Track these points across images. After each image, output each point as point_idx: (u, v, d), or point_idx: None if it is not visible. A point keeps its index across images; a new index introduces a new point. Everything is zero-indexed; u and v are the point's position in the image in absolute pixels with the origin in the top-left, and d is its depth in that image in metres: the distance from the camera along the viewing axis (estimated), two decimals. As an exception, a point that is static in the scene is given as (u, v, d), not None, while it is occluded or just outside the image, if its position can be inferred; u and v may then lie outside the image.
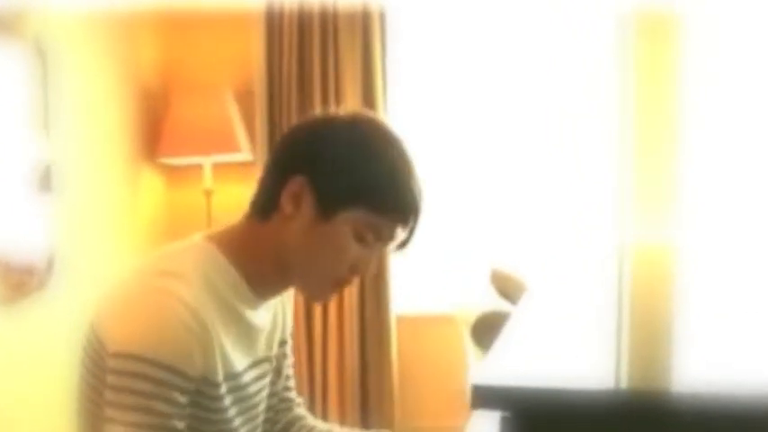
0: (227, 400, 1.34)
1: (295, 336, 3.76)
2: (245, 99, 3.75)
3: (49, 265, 2.89)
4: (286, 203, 1.31)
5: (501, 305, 3.14)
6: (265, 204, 1.34)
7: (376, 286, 3.83)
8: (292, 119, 3.74)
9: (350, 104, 3.68)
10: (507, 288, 3.31)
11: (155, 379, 1.20)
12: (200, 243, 1.36)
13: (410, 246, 1.40)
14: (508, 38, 3.90)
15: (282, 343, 1.55)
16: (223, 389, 1.32)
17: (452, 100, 3.95)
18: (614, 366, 1.14)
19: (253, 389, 1.42)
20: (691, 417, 0.91)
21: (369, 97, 3.72)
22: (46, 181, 2.88)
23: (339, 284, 1.37)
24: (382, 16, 3.72)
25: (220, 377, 1.30)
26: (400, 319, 3.89)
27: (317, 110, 3.58)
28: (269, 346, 1.48)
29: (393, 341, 3.85)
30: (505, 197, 3.97)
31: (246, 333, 1.38)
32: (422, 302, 3.99)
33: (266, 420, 1.53)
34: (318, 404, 3.84)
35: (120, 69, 3.52)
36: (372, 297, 3.84)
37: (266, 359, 1.47)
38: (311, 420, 1.67)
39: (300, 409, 1.67)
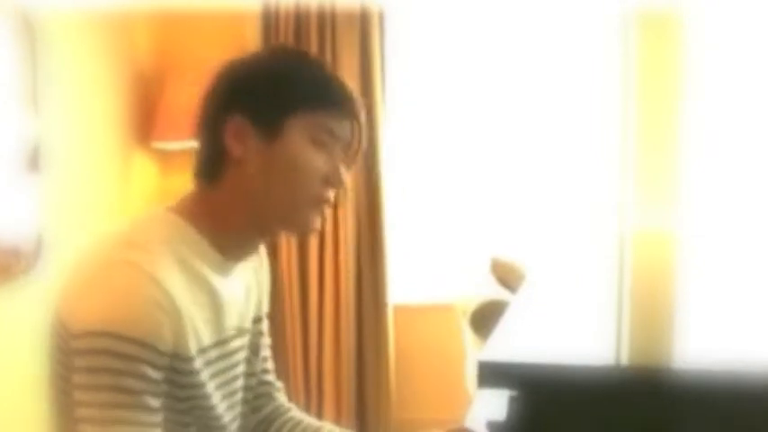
0: (204, 375, 1.27)
1: (290, 326, 3.78)
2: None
3: (37, 248, 2.82)
4: (232, 147, 1.27)
5: (501, 294, 3.08)
6: (213, 162, 1.30)
7: (372, 275, 3.79)
8: None
9: None
10: (507, 277, 3.25)
11: (123, 354, 1.13)
12: (162, 214, 1.32)
13: (360, 149, 1.37)
14: (508, 36, 3.89)
15: (258, 320, 1.49)
16: (197, 363, 1.25)
17: (452, 94, 3.94)
18: (615, 344, 1.15)
19: (227, 363, 1.36)
20: (690, 392, 0.91)
21: (367, 97, 3.68)
22: (34, 161, 2.81)
23: (319, 204, 1.31)
24: (381, 16, 3.68)
25: (193, 351, 1.24)
26: (397, 309, 3.87)
27: None
28: (242, 320, 1.41)
29: (390, 331, 3.82)
30: (505, 185, 3.96)
31: (217, 304, 1.31)
32: (419, 292, 3.97)
33: (244, 402, 1.47)
34: (314, 396, 3.81)
35: (114, 50, 3.45)
36: (368, 286, 3.80)
37: (239, 333, 1.40)
38: (297, 413, 1.60)
39: (281, 396, 1.61)
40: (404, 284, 3.92)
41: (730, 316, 1.32)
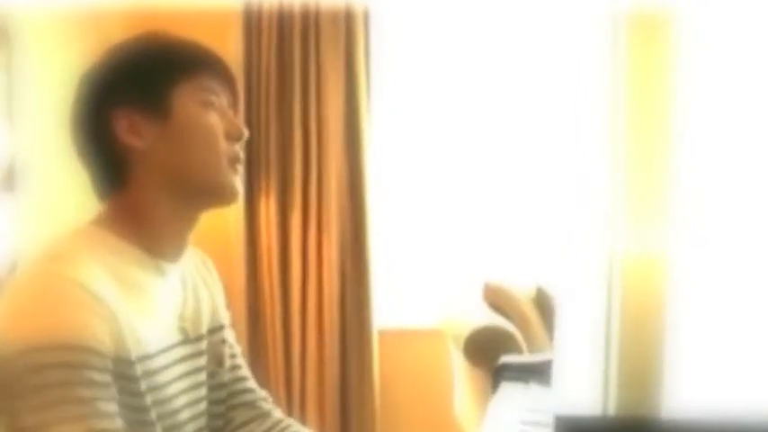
0: (143, 385, 1.21)
1: (272, 352, 3.68)
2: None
3: (12, 271, 2.67)
4: (131, 141, 1.26)
5: (494, 319, 2.99)
6: (113, 167, 1.28)
7: (357, 298, 3.70)
8: (270, 121, 3.62)
9: (332, 108, 3.59)
10: (500, 302, 3.16)
11: (66, 364, 1.09)
12: (84, 227, 1.28)
13: (238, 99, 1.40)
14: (496, 37, 3.82)
15: (217, 329, 1.44)
16: (138, 370, 1.20)
17: (439, 98, 3.87)
18: (602, 392, 1.11)
19: (173, 372, 1.30)
20: None
21: (352, 99, 3.62)
22: (10, 179, 2.66)
23: (232, 162, 1.31)
24: (366, 16, 3.61)
25: (132, 355, 1.19)
26: (382, 334, 3.76)
27: (298, 112, 3.57)
28: (195, 325, 1.37)
29: (375, 357, 3.72)
30: (493, 205, 3.88)
31: (156, 308, 1.28)
32: (405, 316, 3.88)
33: (217, 416, 1.43)
34: None
35: (93, 60, 3.30)
36: (353, 310, 3.71)
37: (188, 341, 1.35)
38: (299, 428, 1.52)
39: (269, 406, 1.54)
40: (389, 308, 3.83)
41: (725, 353, 1.26)
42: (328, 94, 3.60)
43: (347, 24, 3.58)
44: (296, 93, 3.59)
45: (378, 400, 3.72)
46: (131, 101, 1.26)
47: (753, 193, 3.64)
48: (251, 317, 3.68)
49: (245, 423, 1.49)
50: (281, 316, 3.67)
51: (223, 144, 1.30)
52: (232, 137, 1.31)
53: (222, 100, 1.33)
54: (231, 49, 3.58)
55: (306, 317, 3.67)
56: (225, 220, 3.58)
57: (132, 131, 1.26)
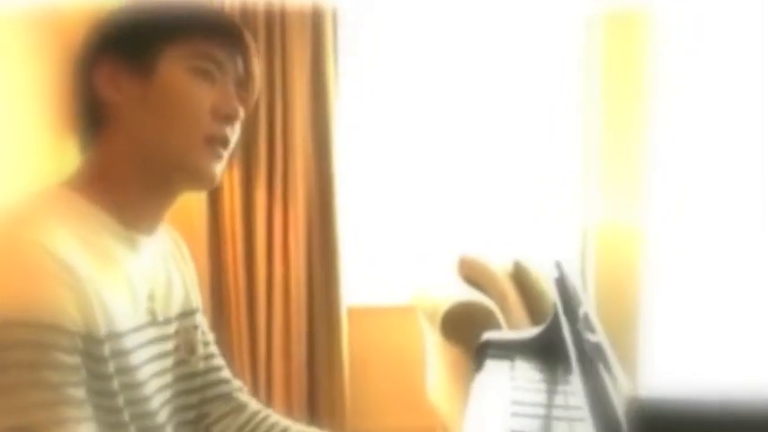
0: (111, 366, 1.10)
1: (236, 329, 3.58)
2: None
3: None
4: (106, 93, 1.16)
5: (470, 294, 2.86)
6: (89, 117, 1.19)
7: (325, 274, 3.60)
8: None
9: (298, 83, 3.50)
10: (476, 276, 3.04)
11: (33, 343, 0.98)
12: (53, 189, 1.17)
13: (256, 86, 1.27)
14: (467, 33, 3.78)
15: (189, 313, 1.35)
16: (106, 349, 1.09)
17: (408, 92, 3.84)
18: None
19: (142, 355, 1.19)
20: (654, 422, 0.82)
21: (319, 98, 3.55)
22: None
23: (212, 143, 1.18)
24: (334, 15, 3.54)
25: (102, 332, 1.08)
26: (351, 311, 3.69)
27: (262, 111, 3.48)
28: (165, 307, 1.27)
29: (343, 335, 3.64)
30: (465, 180, 3.83)
31: (129, 282, 1.18)
32: (374, 292, 3.81)
33: (188, 407, 1.33)
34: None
35: (54, 44, 3.12)
36: (321, 286, 3.61)
37: (156, 323, 1.24)
38: (275, 418, 1.44)
39: (244, 397, 1.45)
40: (358, 284, 3.76)
41: (700, 331, 1.22)
42: (294, 92, 3.51)
43: (314, 23, 3.51)
44: (261, 90, 3.48)
45: (347, 380, 3.64)
46: (117, 49, 1.17)
47: (728, 165, 3.60)
48: (214, 294, 3.58)
49: (222, 417, 1.40)
50: (245, 293, 3.56)
51: (206, 120, 1.18)
52: (220, 114, 1.19)
53: (226, 72, 1.21)
54: None
55: (272, 294, 3.57)
56: (186, 195, 3.42)
57: (112, 83, 1.16)
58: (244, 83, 1.24)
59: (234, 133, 1.21)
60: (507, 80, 3.77)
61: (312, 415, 3.61)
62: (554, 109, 3.76)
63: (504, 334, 2.29)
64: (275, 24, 3.47)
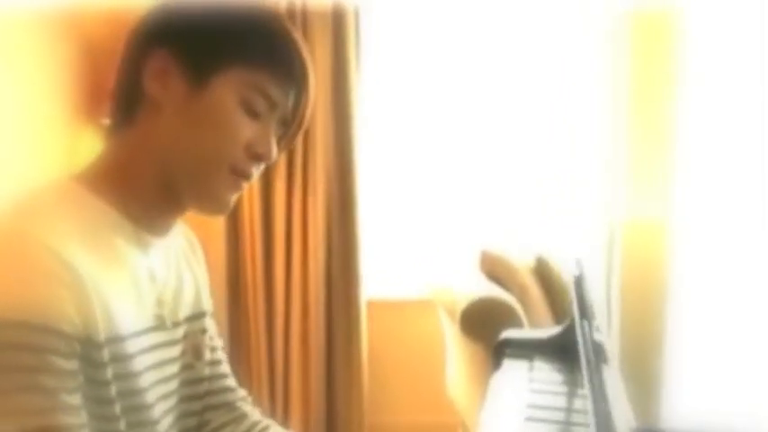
0: (109, 372, 1.06)
1: (254, 324, 3.56)
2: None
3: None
4: (151, 85, 1.12)
5: (491, 290, 2.80)
6: (127, 102, 1.15)
7: (344, 267, 3.56)
8: None
9: (320, 103, 3.47)
10: (498, 271, 2.98)
11: (29, 346, 0.95)
12: (63, 183, 1.13)
13: (302, 127, 1.23)
14: (491, 31, 3.73)
15: (198, 316, 1.31)
16: (106, 354, 1.04)
17: (432, 89, 3.79)
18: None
19: (145, 361, 1.14)
20: None
21: (340, 95, 3.50)
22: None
23: (237, 177, 1.15)
24: (356, 14, 3.50)
25: (102, 336, 1.03)
26: (371, 304, 3.65)
27: None
28: (173, 312, 1.23)
29: (363, 329, 3.60)
30: (488, 174, 3.79)
31: (136, 285, 1.14)
32: (395, 286, 3.76)
33: (191, 414, 1.29)
34: (280, 400, 3.57)
35: (61, 25, 3.10)
36: (340, 279, 3.57)
37: (163, 328, 1.20)
38: (277, 429, 1.38)
39: (247, 407, 1.41)
40: (378, 278, 3.71)
41: (724, 313, 1.16)
42: (316, 93, 3.44)
43: (335, 23, 3.47)
44: None
45: (365, 375, 3.61)
46: (176, 47, 1.12)
47: (755, 163, 3.55)
48: (231, 288, 3.55)
49: (222, 426, 1.35)
50: (263, 286, 3.53)
51: (238, 154, 1.14)
52: (254, 154, 1.15)
53: (274, 112, 1.17)
54: None
55: (290, 287, 3.53)
56: None
57: (158, 76, 1.12)
58: (288, 122, 1.20)
59: (259, 170, 1.18)
60: (533, 76, 3.71)
61: (330, 410, 3.59)
62: (581, 105, 3.69)
63: (522, 333, 2.23)
64: (296, 23, 3.43)
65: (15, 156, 2.85)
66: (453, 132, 3.75)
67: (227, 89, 1.12)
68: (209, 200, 1.16)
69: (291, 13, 3.44)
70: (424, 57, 3.75)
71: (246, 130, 1.14)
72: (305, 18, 3.45)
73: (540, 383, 1.72)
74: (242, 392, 1.41)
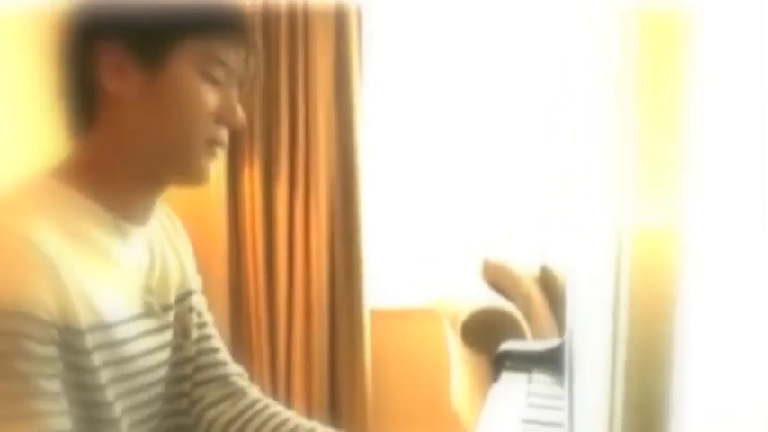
0: (96, 359, 1.07)
1: (255, 332, 3.53)
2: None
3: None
4: (109, 82, 1.12)
5: (494, 300, 2.76)
6: (84, 103, 1.15)
7: (347, 275, 3.51)
8: (255, 121, 3.44)
9: (321, 77, 3.42)
10: (501, 280, 2.94)
11: (2, 331, 0.96)
12: (38, 179, 1.14)
13: (257, 84, 1.23)
14: (496, 29, 3.67)
15: (185, 296, 1.32)
16: (89, 342, 1.05)
17: (436, 91, 3.73)
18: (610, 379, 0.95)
19: (136, 348, 1.16)
20: None
21: (342, 99, 3.45)
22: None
23: (211, 146, 1.18)
24: (359, 14, 3.45)
25: (83, 324, 1.04)
26: (374, 313, 3.60)
27: (284, 112, 3.39)
28: (161, 296, 1.24)
29: (366, 338, 3.55)
30: (492, 180, 3.73)
31: (116, 273, 1.15)
32: (399, 294, 3.72)
33: (179, 395, 1.30)
34: None
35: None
36: (343, 288, 3.52)
37: (152, 312, 1.22)
38: (276, 408, 1.36)
39: (242, 381, 1.39)
40: (382, 286, 3.66)
41: (737, 325, 1.11)
42: (317, 95, 3.43)
43: (338, 23, 3.42)
44: (282, 91, 3.42)
45: (369, 384, 3.56)
46: (126, 39, 1.12)
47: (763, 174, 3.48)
48: (233, 295, 3.51)
49: (217, 402, 1.33)
50: (265, 294, 3.49)
51: (208, 125, 1.17)
52: (223, 120, 1.18)
53: (231, 76, 1.19)
54: None
55: (292, 295, 3.49)
56: (205, 192, 3.39)
57: (116, 72, 1.12)
58: (242, 84, 1.23)
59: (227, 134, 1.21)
60: (537, 78, 3.65)
61: (333, 420, 3.53)
62: (587, 108, 3.62)
63: (521, 344, 2.18)
64: (298, 24, 3.39)
65: (11, 153, 2.84)
66: (457, 136, 3.70)
67: (184, 64, 1.13)
68: (189, 174, 1.18)
69: (293, 13, 3.40)
70: (427, 57, 3.69)
71: (211, 99, 1.16)
72: (306, 18, 3.41)
73: (538, 397, 1.68)
74: (236, 367, 1.39)
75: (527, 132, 3.67)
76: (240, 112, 1.20)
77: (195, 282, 1.36)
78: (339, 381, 3.55)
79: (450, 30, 3.66)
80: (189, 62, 1.14)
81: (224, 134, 1.19)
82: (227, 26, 1.18)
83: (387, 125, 3.70)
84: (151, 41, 1.12)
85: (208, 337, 1.37)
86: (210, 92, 1.16)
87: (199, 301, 1.36)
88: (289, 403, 3.49)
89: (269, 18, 3.40)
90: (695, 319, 1.12)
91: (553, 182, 3.64)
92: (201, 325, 1.36)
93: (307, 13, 3.40)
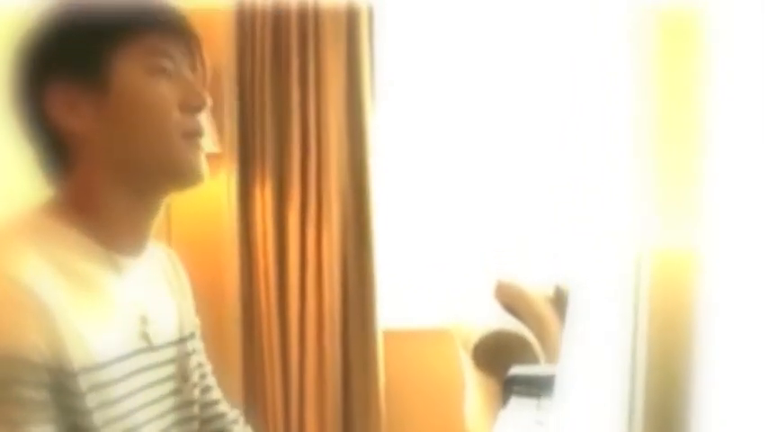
0: (90, 401, 1.03)
1: (268, 355, 3.48)
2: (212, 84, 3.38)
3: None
4: (67, 122, 1.10)
5: (507, 322, 2.71)
6: (51, 151, 1.13)
7: (360, 296, 3.48)
8: (266, 108, 3.42)
9: (332, 96, 3.41)
10: (514, 302, 2.89)
11: None
12: (27, 214, 1.11)
13: (206, 63, 1.22)
14: (511, 32, 3.63)
15: (184, 339, 1.28)
16: (82, 383, 1.02)
17: (449, 97, 3.68)
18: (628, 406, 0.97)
19: (131, 386, 1.12)
20: None
21: (353, 90, 3.43)
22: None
23: (189, 136, 1.15)
24: (370, 13, 3.43)
25: (76, 366, 1.01)
26: (387, 334, 3.56)
27: (295, 121, 3.37)
28: (159, 331, 1.20)
29: (379, 359, 3.51)
30: (509, 197, 3.67)
31: (111, 309, 1.11)
32: (412, 315, 3.67)
33: None
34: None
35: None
36: (356, 308, 3.49)
37: (151, 349, 1.18)
38: None
39: (238, 429, 1.39)
40: (395, 306, 3.62)
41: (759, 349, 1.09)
42: (328, 95, 3.41)
43: (349, 22, 3.40)
44: (293, 84, 3.40)
45: (383, 406, 3.51)
46: (67, 73, 1.10)
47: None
48: (245, 317, 3.47)
49: None
50: (277, 315, 3.45)
51: (176, 116, 1.13)
52: (189, 107, 1.15)
53: (179, 63, 1.16)
54: (222, 49, 3.43)
55: (304, 316, 3.45)
56: (216, 213, 3.38)
57: (69, 110, 1.10)
58: (194, 67, 1.19)
59: (203, 119, 1.18)
60: (555, 87, 3.60)
61: (346, 442, 3.50)
62: (605, 122, 3.57)
63: (529, 369, 2.14)
64: (308, 25, 3.37)
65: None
66: (472, 151, 3.65)
67: (129, 70, 1.11)
68: (181, 174, 1.15)
69: (303, 14, 3.38)
70: (439, 60, 3.64)
71: (167, 89, 1.13)
72: (317, 19, 3.39)
73: (547, 426, 1.63)
74: (233, 415, 1.39)
75: (543, 149, 3.62)
76: (202, 93, 1.17)
77: (194, 325, 1.33)
78: (352, 402, 3.50)
79: (463, 34, 3.61)
80: (132, 66, 1.11)
81: (196, 122, 1.16)
82: (153, 18, 1.15)
83: (399, 139, 3.66)
84: (87, 64, 1.10)
85: (209, 389, 1.36)
86: (163, 83, 1.13)
87: (199, 346, 1.33)
88: (301, 426, 3.47)
89: (279, 19, 3.38)
90: (715, 340, 1.08)
91: (569, 200, 3.60)
92: (203, 375, 1.34)
93: (317, 14, 3.37)
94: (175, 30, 1.16)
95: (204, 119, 1.18)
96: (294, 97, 3.39)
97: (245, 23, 3.43)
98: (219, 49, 3.40)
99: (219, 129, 3.42)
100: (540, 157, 3.63)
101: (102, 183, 1.12)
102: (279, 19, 3.39)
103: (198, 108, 1.15)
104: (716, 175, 3.45)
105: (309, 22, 3.37)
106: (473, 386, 2.89)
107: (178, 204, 3.17)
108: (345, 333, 3.49)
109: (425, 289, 3.69)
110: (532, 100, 3.62)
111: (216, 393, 1.37)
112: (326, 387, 3.46)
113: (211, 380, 1.37)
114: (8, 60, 1.13)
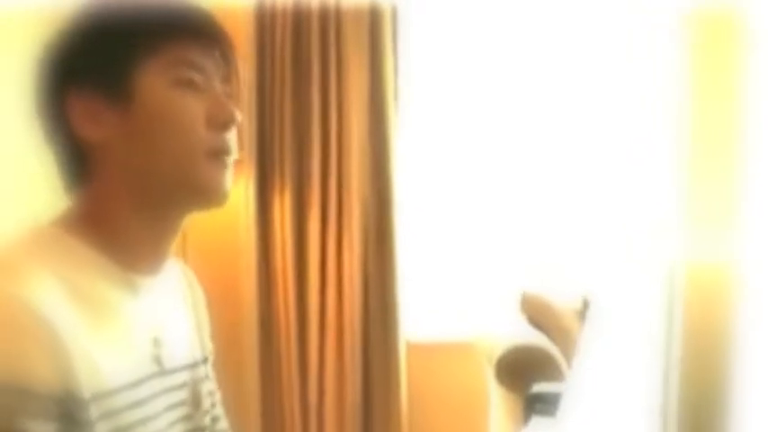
0: (101, 429, 1.00)
1: (286, 367, 3.44)
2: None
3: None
4: (87, 131, 1.06)
5: (532, 336, 2.61)
6: (70, 160, 1.09)
7: (382, 308, 3.43)
8: (285, 114, 3.39)
9: (354, 102, 3.37)
10: (540, 316, 2.79)
11: None
12: (41, 228, 1.07)
13: (240, 78, 1.21)
14: (536, 34, 3.54)
15: (198, 363, 1.25)
16: (93, 411, 0.98)
17: (476, 102, 3.60)
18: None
19: (144, 412, 1.08)
20: None
21: (377, 112, 3.40)
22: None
23: (215, 154, 1.10)
24: (393, 14, 3.39)
25: (86, 393, 0.97)
26: (411, 347, 3.51)
27: (316, 125, 3.32)
28: (173, 354, 1.16)
29: (402, 373, 3.45)
30: (536, 206, 3.58)
31: (126, 332, 1.07)
32: (436, 328, 3.60)
33: None
34: None
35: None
36: (378, 320, 3.44)
37: (164, 373, 1.14)
38: None
39: None
40: (418, 318, 3.56)
41: None
42: (351, 97, 3.37)
43: (372, 23, 3.37)
44: (314, 87, 3.36)
45: (405, 422, 3.45)
46: (89, 82, 1.07)
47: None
48: (263, 328, 3.42)
49: None
50: (296, 327, 3.41)
51: (202, 133, 1.09)
52: (217, 123, 1.09)
53: (210, 75, 1.11)
54: (242, 50, 3.35)
55: (324, 328, 3.41)
56: (234, 221, 3.34)
57: (89, 119, 1.07)
58: (227, 79, 1.14)
59: (234, 137, 1.12)
60: (587, 92, 3.50)
61: (367, 459, 3.45)
62: (639, 132, 3.47)
63: (552, 386, 2.05)
64: (330, 26, 3.34)
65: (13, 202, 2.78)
66: (499, 158, 3.57)
67: (154, 82, 1.07)
68: (202, 194, 1.10)
69: (324, 14, 3.34)
70: (466, 61, 3.56)
71: (193, 104, 1.09)
72: (338, 20, 3.34)
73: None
74: None
75: (573, 157, 3.54)
76: (232, 108, 1.12)
77: (209, 349, 1.30)
78: (373, 418, 3.46)
79: (490, 34, 3.54)
80: (157, 78, 1.07)
81: (223, 139, 1.10)
82: (179, 26, 1.10)
83: (422, 145, 3.60)
84: (111, 74, 1.07)
85: (217, 419, 1.32)
86: (190, 96, 1.09)
87: (210, 372, 1.30)
88: (320, 441, 3.42)
89: (299, 20, 3.35)
90: (752, 357, 1.01)
91: (600, 209, 3.51)
92: (214, 404, 1.31)
93: (339, 14, 3.33)
94: (207, 38, 1.12)
95: (233, 135, 1.12)
96: (314, 101, 3.35)
97: (265, 25, 3.40)
98: (238, 52, 3.36)
99: (238, 134, 3.35)
100: (570, 165, 3.54)
101: (121, 197, 1.08)
102: (299, 20, 3.35)
103: (225, 124, 1.10)
104: (753, 186, 3.36)
105: (331, 24, 3.33)
106: (497, 402, 2.80)
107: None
108: (366, 346, 3.44)
109: (451, 300, 3.62)
110: (563, 106, 3.53)
111: (224, 424, 1.33)
112: (347, 401, 3.42)
113: (220, 410, 1.33)
114: (31, 67, 1.11)
